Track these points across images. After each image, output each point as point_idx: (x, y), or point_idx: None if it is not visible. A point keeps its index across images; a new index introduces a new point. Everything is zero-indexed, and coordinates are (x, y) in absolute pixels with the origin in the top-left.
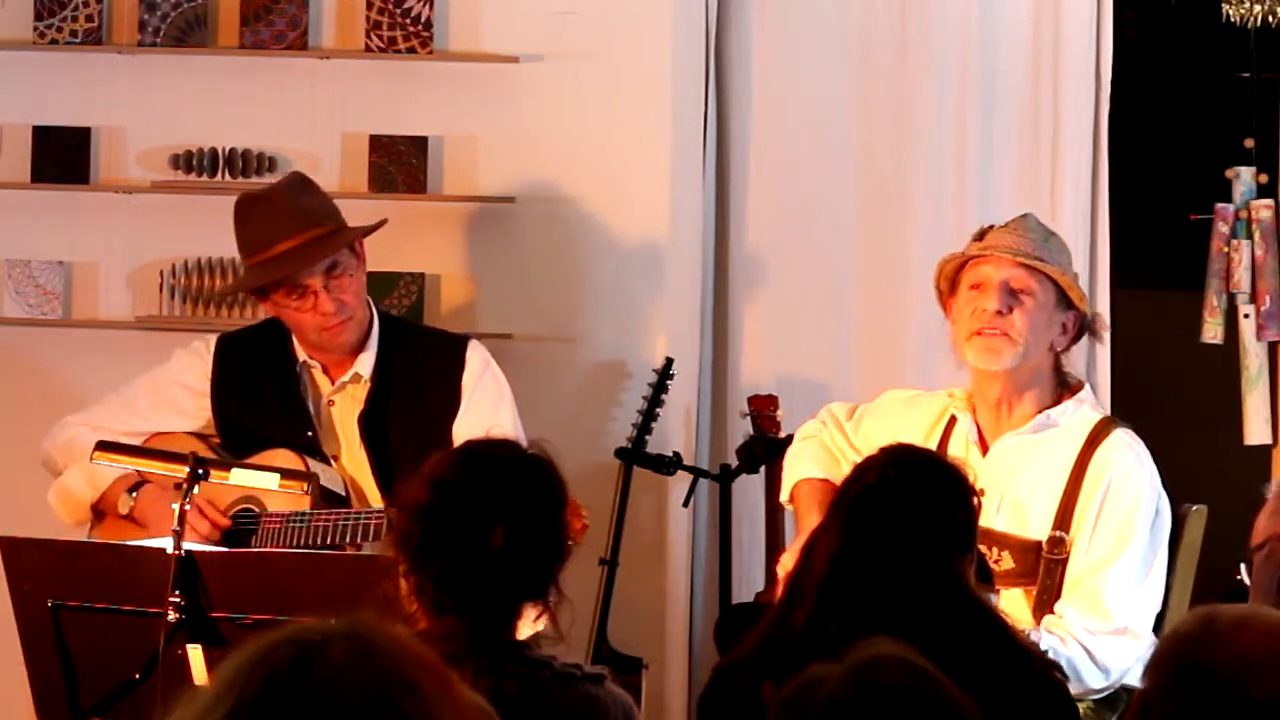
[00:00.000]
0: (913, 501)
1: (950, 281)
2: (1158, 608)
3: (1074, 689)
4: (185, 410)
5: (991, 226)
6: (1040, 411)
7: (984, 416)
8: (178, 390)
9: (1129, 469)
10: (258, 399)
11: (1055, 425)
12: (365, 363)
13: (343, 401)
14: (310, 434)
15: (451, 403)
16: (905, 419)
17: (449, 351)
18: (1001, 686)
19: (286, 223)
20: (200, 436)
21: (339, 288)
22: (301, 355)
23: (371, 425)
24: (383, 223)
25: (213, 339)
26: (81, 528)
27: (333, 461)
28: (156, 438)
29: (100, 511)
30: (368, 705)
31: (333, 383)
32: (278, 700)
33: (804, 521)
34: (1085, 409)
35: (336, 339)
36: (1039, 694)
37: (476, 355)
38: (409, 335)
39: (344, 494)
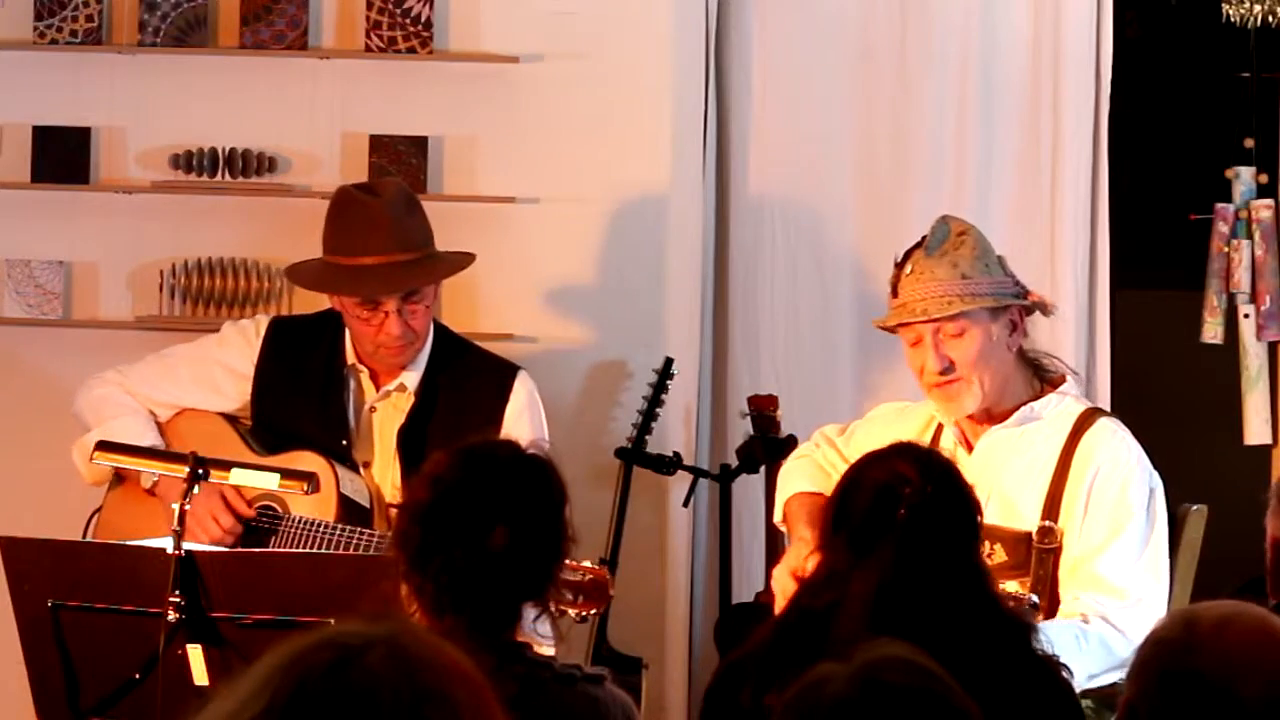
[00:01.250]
0: (957, 511)
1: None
2: (1166, 578)
3: (1107, 662)
4: (224, 391)
5: (902, 265)
6: (1021, 405)
7: (964, 423)
8: (220, 370)
9: (1115, 453)
10: (299, 395)
11: (1039, 418)
12: (412, 376)
13: (385, 410)
14: (344, 442)
15: (491, 429)
16: (896, 429)
17: (497, 379)
18: (1015, 688)
19: (382, 237)
20: (231, 420)
21: (411, 313)
22: (351, 358)
23: (410, 439)
24: (472, 258)
25: (265, 321)
26: (100, 488)
27: (362, 470)
28: (187, 413)
29: (122, 475)
30: (400, 714)
31: (378, 390)
32: (310, 702)
33: (796, 532)
34: (1069, 401)
35: (393, 358)
36: (1050, 695)
37: (523, 388)
38: (461, 353)
39: (368, 506)
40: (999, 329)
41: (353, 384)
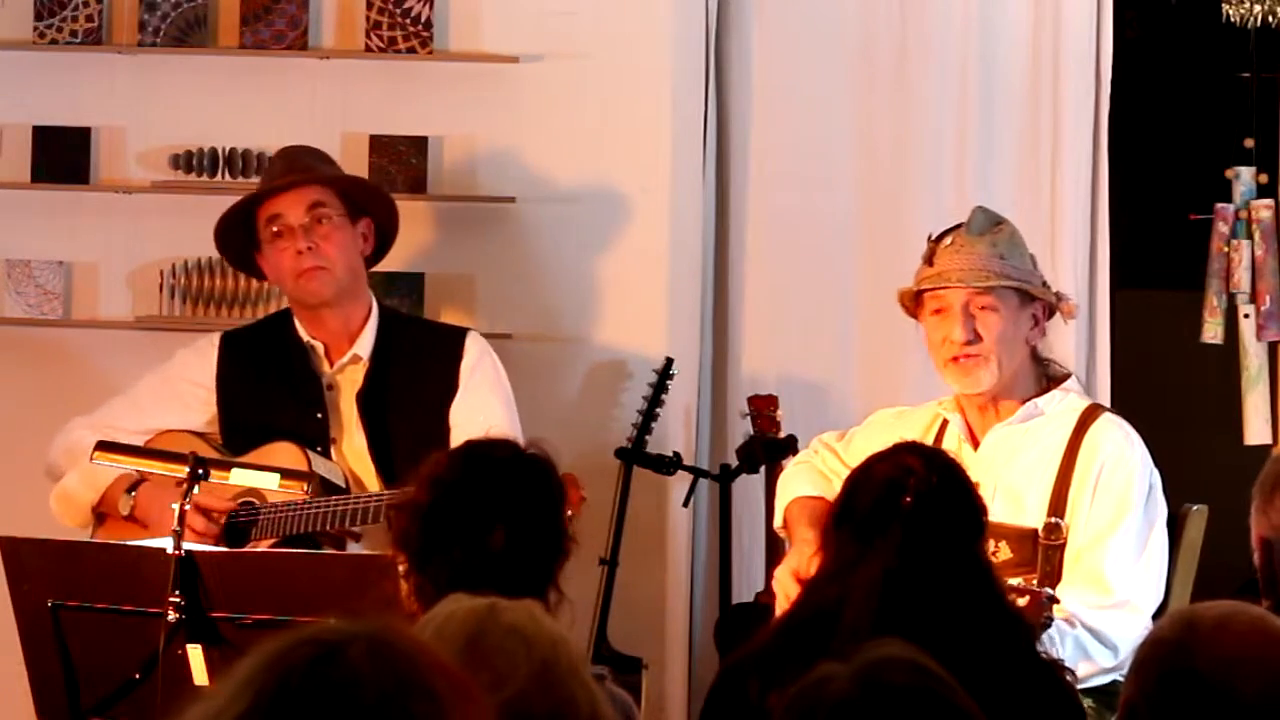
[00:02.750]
0: (962, 504)
1: (914, 300)
2: (1160, 584)
3: (1086, 669)
4: (190, 406)
5: (940, 240)
6: (1026, 402)
7: (972, 415)
8: (183, 385)
9: (1119, 448)
10: (266, 385)
11: (1042, 413)
12: (364, 344)
13: (343, 385)
14: (320, 415)
15: (449, 388)
16: (895, 432)
17: (448, 339)
18: (1018, 688)
19: (288, 167)
20: (201, 436)
21: (319, 234)
22: (306, 336)
23: (369, 404)
24: (381, 189)
25: (216, 336)
26: (84, 531)
27: (333, 447)
28: (160, 437)
29: (101, 515)
30: (383, 708)
31: (332, 365)
32: (293, 699)
33: (798, 534)
34: (1072, 397)
35: (309, 285)
36: (1053, 697)
37: (475, 344)
38: (408, 323)
39: (343, 485)
40: (1024, 318)
41: (312, 359)
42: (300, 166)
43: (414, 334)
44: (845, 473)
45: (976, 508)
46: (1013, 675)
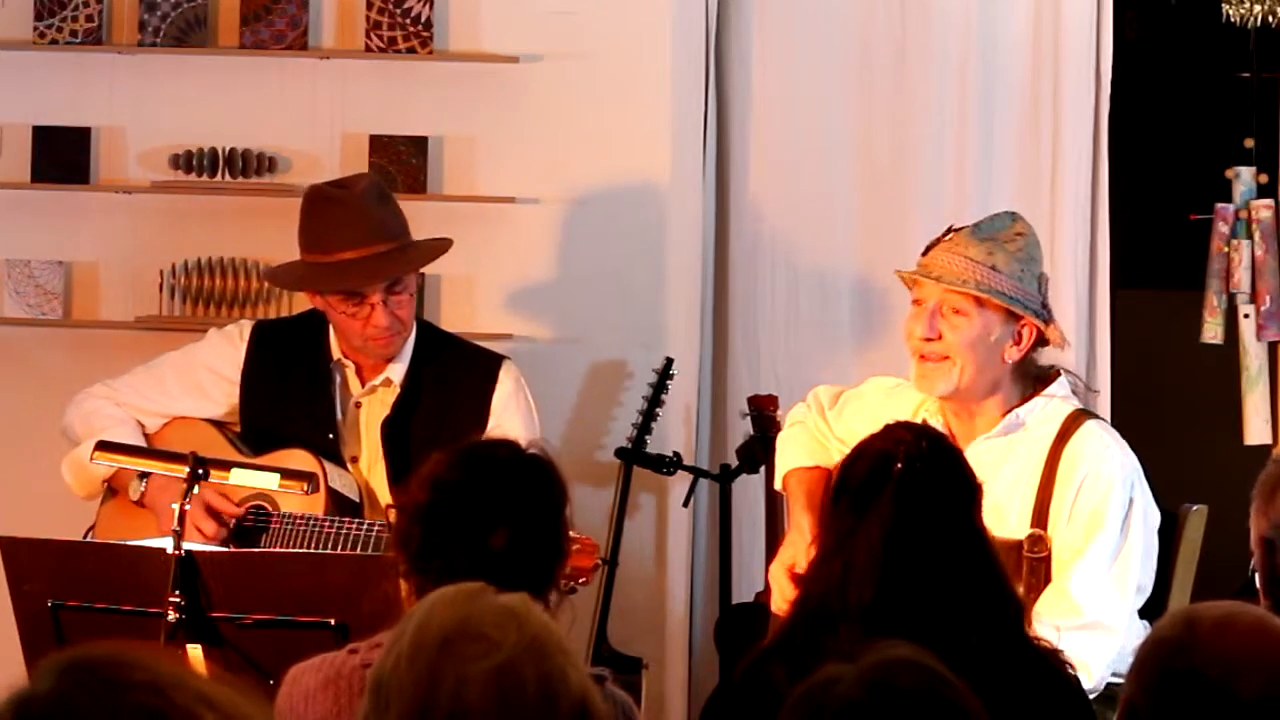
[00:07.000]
0: (953, 470)
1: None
2: (1134, 598)
3: None
4: (211, 396)
5: (951, 230)
6: (1008, 412)
7: (951, 421)
8: (206, 374)
9: (1098, 461)
10: (285, 393)
11: (1024, 425)
12: (398, 369)
13: (370, 405)
14: (331, 436)
15: (478, 420)
16: (886, 411)
17: (482, 369)
18: (1024, 681)
19: (357, 230)
20: (219, 426)
21: (397, 304)
22: (336, 354)
23: (394, 432)
24: (448, 244)
25: (248, 325)
26: (92, 501)
27: (350, 465)
28: (175, 422)
29: (113, 488)
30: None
31: (363, 385)
32: None
33: (794, 517)
34: (1055, 403)
35: (382, 350)
36: (1057, 690)
37: (509, 376)
38: (445, 347)
39: (358, 500)
40: (1001, 332)
41: (338, 379)
42: (385, 231)
43: (449, 359)
44: (834, 442)
45: (968, 474)
46: (1008, 639)
